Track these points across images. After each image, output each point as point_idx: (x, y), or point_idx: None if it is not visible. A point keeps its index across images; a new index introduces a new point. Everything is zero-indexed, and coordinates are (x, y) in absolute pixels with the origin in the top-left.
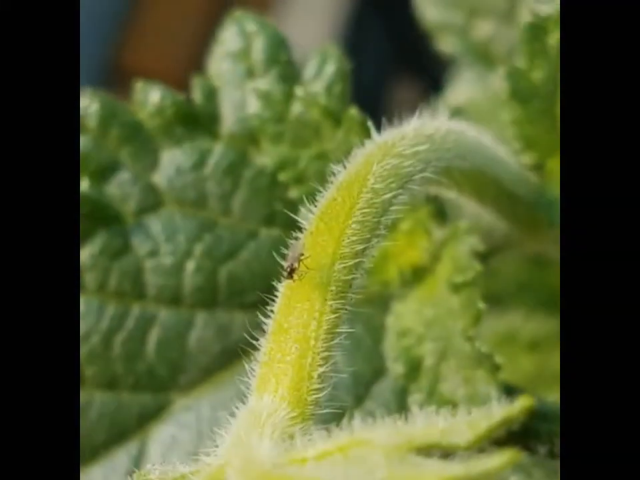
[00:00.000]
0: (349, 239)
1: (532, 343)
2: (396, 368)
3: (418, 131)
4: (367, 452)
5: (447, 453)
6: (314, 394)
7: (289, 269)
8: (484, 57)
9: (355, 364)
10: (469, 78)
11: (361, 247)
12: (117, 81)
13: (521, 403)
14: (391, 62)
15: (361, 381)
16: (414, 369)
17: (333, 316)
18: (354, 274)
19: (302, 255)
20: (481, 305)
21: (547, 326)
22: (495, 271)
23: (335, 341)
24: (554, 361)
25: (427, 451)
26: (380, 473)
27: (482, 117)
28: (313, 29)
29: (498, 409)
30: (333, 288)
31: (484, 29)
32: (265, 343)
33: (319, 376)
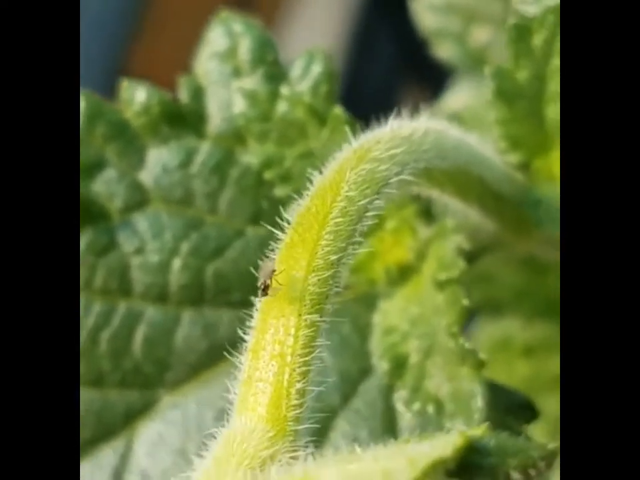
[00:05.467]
0: (322, 249)
1: (527, 348)
2: (381, 365)
3: (395, 132)
4: None
5: None
6: (293, 410)
7: (262, 286)
8: (481, 63)
9: (342, 362)
10: (467, 84)
11: (336, 257)
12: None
13: (454, 442)
14: (398, 69)
15: (347, 380)
16: (399, 365)
17: (309, 330)
18: (329, 285)
19: (274, 271)
20: (466, 302)
21: (543, 332)
22: (492, 278)
23: (313, 355)
24: (549, 365)
25: None
26: None
27: (477, 123)
28: (319, 37)
29: (439, 444)
30: (308, 302)
31: (481, 35)
32: (244, 361)
33: (298, 391)
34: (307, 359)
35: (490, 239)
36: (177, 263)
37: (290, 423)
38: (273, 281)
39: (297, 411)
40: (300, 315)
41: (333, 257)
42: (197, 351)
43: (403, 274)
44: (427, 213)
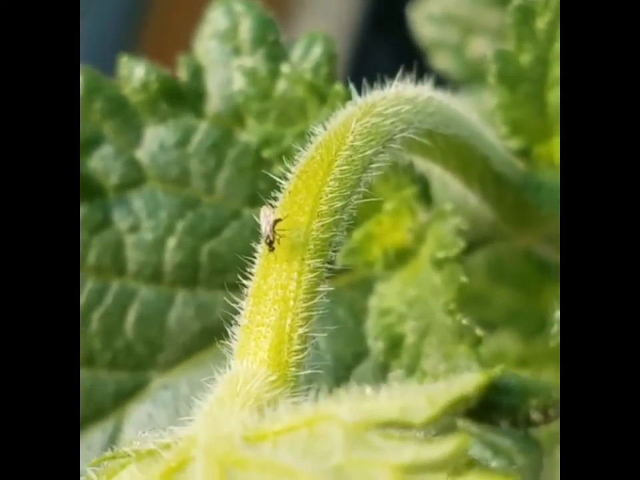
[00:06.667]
0: (327, 196)
1: (521, 360)
2: (377, 346)
3: (399, 93)
4: (329, 429)
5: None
6: (295, 355)
7: (267, 240)
8: (478, 75)
9: (336, 347)
10: (465, 94)
11: (340, 204)
12: None
13: (477, 380)
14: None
15: (341, 364)
16: (395, 346)
17: (312, 275)
18: (333, 232)
19: (277, 221)
20: (464, 279)
21: (537, 346)
22: (485, 300)
23: (315, 300)
24: (543, 377)
25: (388, 426)
26: (336, 458)
27: None
28: None
29: (457, 383)
30: (312, 247)
31: (478, 46)
32: (245, 306)
33: (300, 337)
34: (309, 304)
35: (489, 229)
36: (171, 242)
37: (292, 369)
38: (276, 229)
39: (299, 357)
40: (303, 260)
41: (338, 204)
42: (190, 332)
43: (401, 257)
44: (426, 197)
